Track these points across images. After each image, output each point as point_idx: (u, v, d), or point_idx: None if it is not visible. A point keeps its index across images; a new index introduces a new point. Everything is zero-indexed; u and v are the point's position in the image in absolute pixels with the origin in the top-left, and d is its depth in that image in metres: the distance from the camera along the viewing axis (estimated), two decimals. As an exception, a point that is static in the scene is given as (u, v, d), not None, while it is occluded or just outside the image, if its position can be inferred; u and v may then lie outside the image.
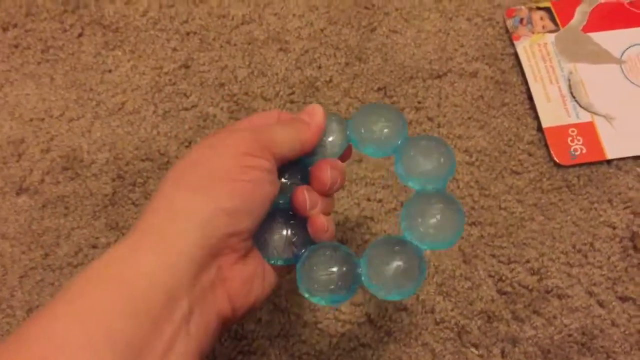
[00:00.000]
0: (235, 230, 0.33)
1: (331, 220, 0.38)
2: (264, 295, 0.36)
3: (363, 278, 0.36)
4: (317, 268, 0.36)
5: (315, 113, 0.39)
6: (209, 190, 0.32)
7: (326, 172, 0.37)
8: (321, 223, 0.37)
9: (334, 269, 0.36)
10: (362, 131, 0.40)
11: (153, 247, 0.31)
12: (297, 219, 0.38)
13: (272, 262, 0.37)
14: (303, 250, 0.37)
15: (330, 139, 0.40)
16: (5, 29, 0.61)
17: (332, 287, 0.36)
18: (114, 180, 0.55)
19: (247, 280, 0.35)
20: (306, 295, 0.36)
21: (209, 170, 0.33)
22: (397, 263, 0.36)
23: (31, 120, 0.57)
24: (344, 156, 0.42)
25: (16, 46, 0.60)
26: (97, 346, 0.26)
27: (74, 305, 0.28)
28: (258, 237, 0.37)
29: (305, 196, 0.37)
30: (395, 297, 0.36)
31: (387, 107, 0.42)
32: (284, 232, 0.37)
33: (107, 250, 0.31)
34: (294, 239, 0.38)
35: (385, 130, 0.39)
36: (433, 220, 0.36)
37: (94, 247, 0.52)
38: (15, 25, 0.61)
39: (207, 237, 0.31)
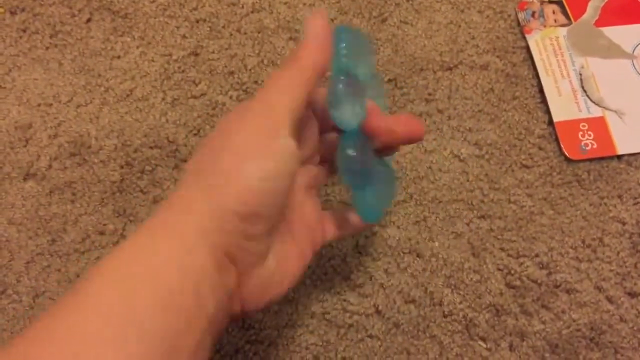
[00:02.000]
0: (249, 234, 0.31)
1: None
2: (281, 294, 0.35)
3: None
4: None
5: (310, 25, 0.35)
6: (224, 191, 0.30)
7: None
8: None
9: None
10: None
11: (172, 243, 0.29)
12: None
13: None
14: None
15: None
16: (13, 13, 0.61)
17: None
18: (122, 167, 0.54)
19: (263, 285, 0.33)
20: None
21: (223, 167, 0.31)
22: None
23: (39, 105, 0.57)
24: None
25: (24, 30, 0.60)
26: (128, 341, 0.25)
27: (102, 299, 0.26)
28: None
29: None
30: None
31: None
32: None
33: (127, 241, 0.29)
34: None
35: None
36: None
37: (101, 233, 0.52)
38: (23, 10, 0.61)
39: (219, 241, 0.30)
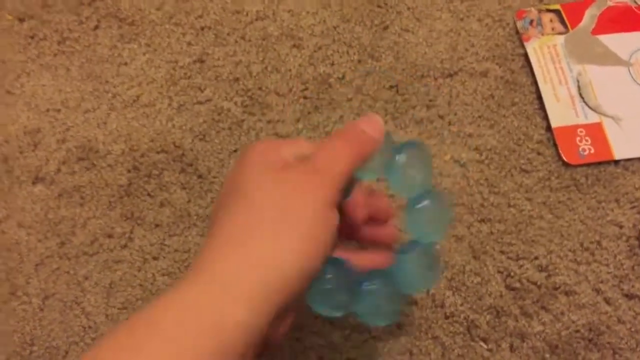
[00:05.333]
0: (288, 304, 0.32)
1: None
2: (278, 340, 0.36)
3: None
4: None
5: (376, 122, 0.36)
6: (264, 272, 0.31)
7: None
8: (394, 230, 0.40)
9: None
10: None
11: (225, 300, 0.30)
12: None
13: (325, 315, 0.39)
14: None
15: None
16: (21, 20, 0.62)
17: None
18: (129, 171, 0.55)
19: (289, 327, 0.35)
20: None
21: (277, 227, 0.31)
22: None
23: (47, 110, 0.58)
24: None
25: (32, 37, 0.61)
26: None
27: (168, 341, 0.28)
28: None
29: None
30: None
31: None
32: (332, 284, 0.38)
33: (179, 288, 0.30)
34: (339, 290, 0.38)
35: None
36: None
37: (110, 236, 0.53)
38: (31, 17, 0.62)
39: (266, 312, 0.31)
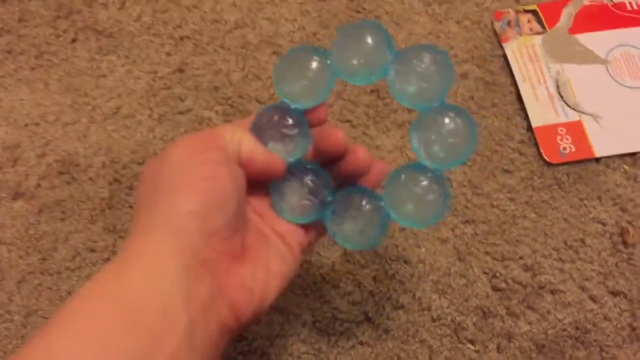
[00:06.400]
0: (210, 231, 0.32)
1: None
2: (273, 293, 0.35)
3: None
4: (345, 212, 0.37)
5: (276, 162, 0.37)
6: (171, 199, 0.32)
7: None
8: (365, 152, 0.37)
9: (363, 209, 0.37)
10: (348, 57, 0.36)
11: (138, 266, 0.30)
12: (308, 172, 0.38)
13: (294, 221, 0.38)
14: (323, 202, 0.37)
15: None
16: (-2, 35, 0.61)
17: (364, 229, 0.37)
18: (110, 183, 0.55)
19: (245, 284, 0.34)
20: (338, 242, 0.38)
21: (165, 181, 0.33)
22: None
23: (26, 125, 0.57)
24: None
25: (9, 52, 0.61)
26: None
27: (71, 326, 0.28)
28: (274, 199, 0.38)
29: (341, 132, 0.36)
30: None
31: (364, 26, 0.37)
32: (300, 189, 0.37)
33: (100, 269, 0.31)
34: (310, 195, 0.38)
35: (372, 45, 0.36)
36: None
37: (92, 250, 0.52)
38: (8, 31, 0.61)
39: (183, 247, 0.31)
